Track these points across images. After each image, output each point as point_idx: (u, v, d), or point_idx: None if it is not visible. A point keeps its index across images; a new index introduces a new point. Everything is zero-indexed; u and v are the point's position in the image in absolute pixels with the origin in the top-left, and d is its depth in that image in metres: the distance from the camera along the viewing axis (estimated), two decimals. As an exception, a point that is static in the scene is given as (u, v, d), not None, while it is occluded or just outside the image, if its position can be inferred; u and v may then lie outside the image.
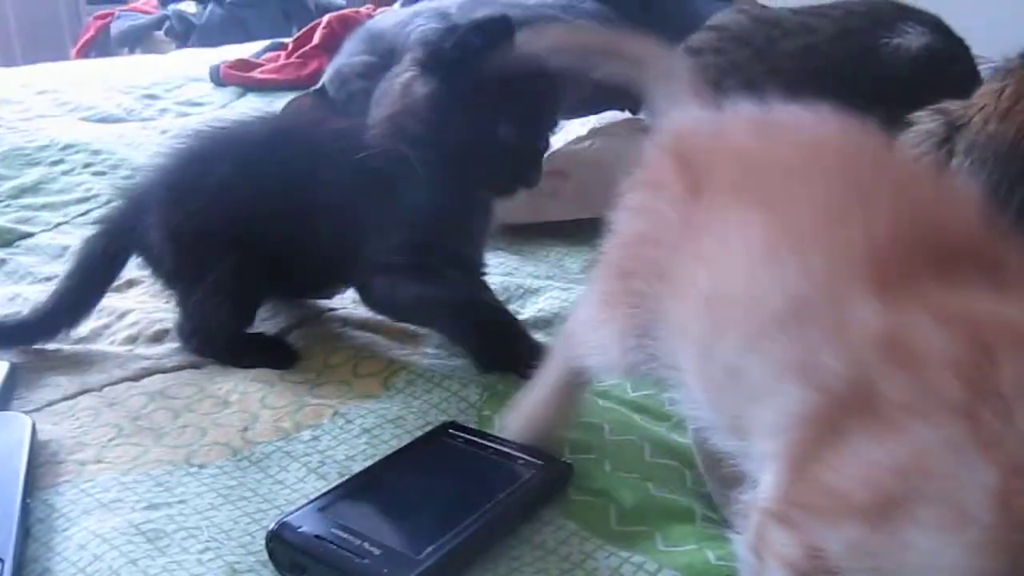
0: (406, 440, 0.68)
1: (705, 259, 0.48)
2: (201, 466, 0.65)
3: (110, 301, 0.94)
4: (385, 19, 1.69)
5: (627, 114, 1.19)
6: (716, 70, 1.26)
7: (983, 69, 1.28)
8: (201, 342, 0.82)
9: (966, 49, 1.33)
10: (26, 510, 0.58)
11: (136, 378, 0.79)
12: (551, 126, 0.83)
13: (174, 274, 0.84)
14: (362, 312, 0.90)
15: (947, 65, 1.28)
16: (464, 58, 0.73)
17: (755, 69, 1.25)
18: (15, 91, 1.79)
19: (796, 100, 1.24)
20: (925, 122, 1.00)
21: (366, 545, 0.53)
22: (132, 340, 0.88)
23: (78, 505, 0.60)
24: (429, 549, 0.53)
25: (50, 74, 1.97)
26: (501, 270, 1.01)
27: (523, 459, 0.63)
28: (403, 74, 0.78)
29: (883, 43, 1.26)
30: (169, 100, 1.77)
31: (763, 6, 1.51)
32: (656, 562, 0.57)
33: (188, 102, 1.76)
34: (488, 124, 0.75)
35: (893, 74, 1.24)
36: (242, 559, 0.55)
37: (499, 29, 0.73)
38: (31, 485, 0.62)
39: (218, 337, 0.82)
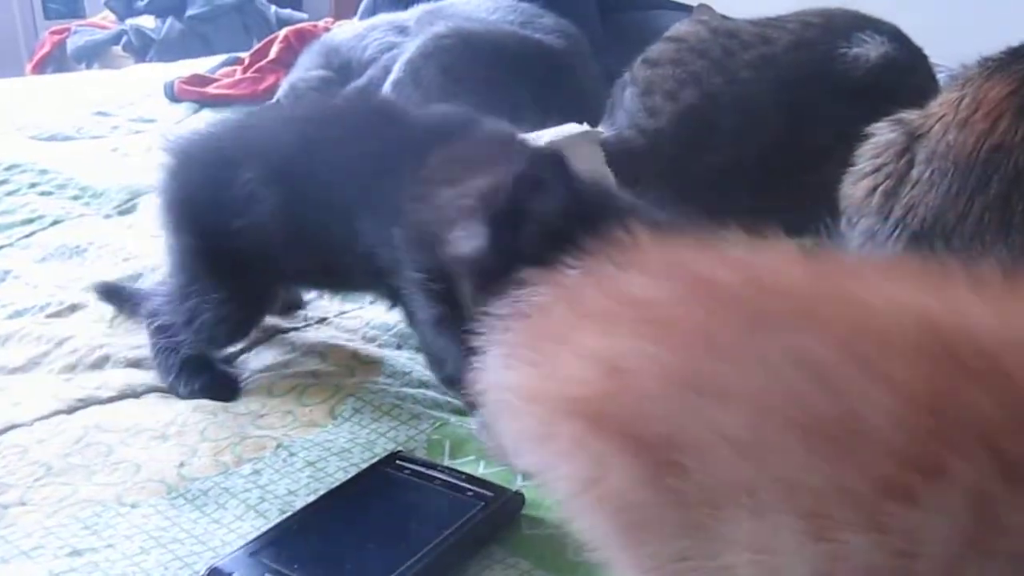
0: (352, 472, 0.65)
1: None
2: (133, 505, 0.62)
3: (49, 328, 0.90)
4: (341, 33, 1.66)
5: (584, 127, 1.17)
6: (674, 81, 1.25)
7: (941, 77, 1.28)
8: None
9: (924, 58, 1.33)
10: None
11: (70, 411, 0.75)
12: None
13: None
14: (312, 336, 0.88)
15: (905, 74, 1.27)
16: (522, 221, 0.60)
17: (712, 81, 1.23)
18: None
19: (753, 111, 1.23)
20: (884, 132, 0.99)
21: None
22: (71, 368, 0.84)
23: (11, 538, 0.57)
24: (374, 595, 0.50)
25: (0, 91, 1.92)
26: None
27: (471, 491, 0.61)
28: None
29: (840, 53, 1.25)
30: (122, 117, 1.73)
31: (723, 16, 1.50)
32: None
33: (141, 119, 1.71)
34: None
35: (851, 84, 1.23)
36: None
37: (558, 176, 0.61)
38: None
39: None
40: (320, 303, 0.94)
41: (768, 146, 1.20)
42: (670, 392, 0.33)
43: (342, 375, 0.80)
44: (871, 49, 1.26)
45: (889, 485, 0.27)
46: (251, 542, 0.55)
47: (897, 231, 0.91)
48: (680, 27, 1.38)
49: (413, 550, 0.54)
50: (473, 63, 1.42)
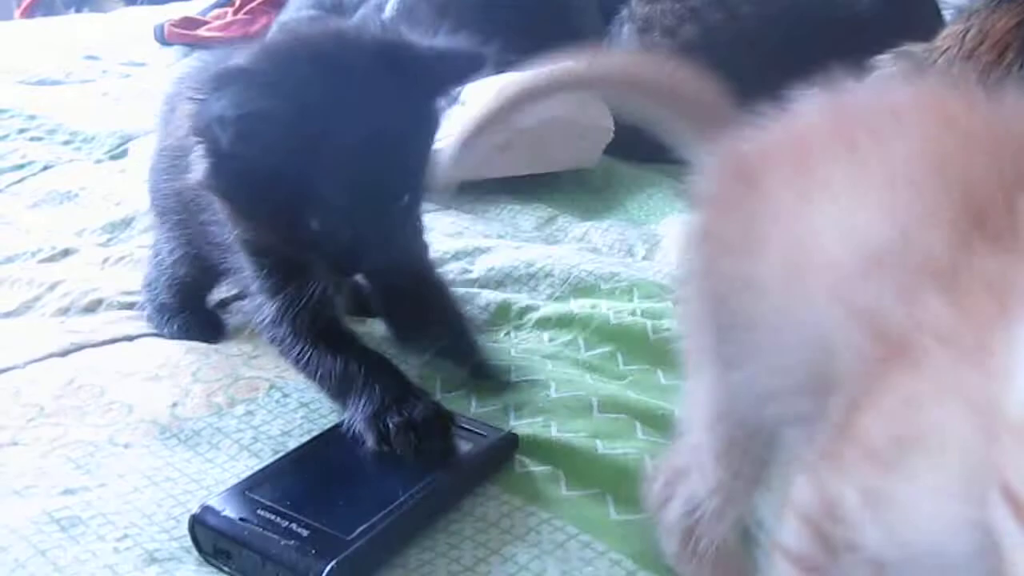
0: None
1: (781, 227, 0.41)
2: (126, 446, 0.62)
3: (41, 272, 0.89)
4: (333, -29, 1.62)
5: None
6: (673, 17, 1.22)
7: (945, 11, 1.25)
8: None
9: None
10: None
11: (63, 354, 0.74)
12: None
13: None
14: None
15: (909, 7, 1.24)
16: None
17: (713, 17, 1.21)
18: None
19: (754, 46, 1.20)
20: (888, 66, 0.97)
21: (294, 527, 0.50)
22: (63, 312, 0.83)
23: None
24: (361, 528, 0.50)
25: (-13, 35, 1.88)
26: (451, 229, 0.97)
27: (465, 431, 0.60)
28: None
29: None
30: (111, 61, 1.70)
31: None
32: (604, 543, 0.54)
33: (131, 63, 1.68)
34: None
35: (854, 17, 1.20)
36: (163, 545, 0.52)
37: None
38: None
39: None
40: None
41: (770, 82, 1.17)
42: None
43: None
44: (868, -14, 1.23)
45: None
46: (244, 480, 0.55)
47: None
48: (680, -38, 1.34)
49: (406, 488, 0.54)
50: (461, 5, 1.39)
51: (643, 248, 0.95)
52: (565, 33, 1.41)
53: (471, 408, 0.66)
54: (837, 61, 1.18)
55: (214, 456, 0.61)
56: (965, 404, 0.30)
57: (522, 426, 0.64)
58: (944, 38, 0.94)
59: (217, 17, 1.87)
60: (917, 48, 0.96)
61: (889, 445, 0.33)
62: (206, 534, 0.51)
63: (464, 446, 0.59)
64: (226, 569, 0.50)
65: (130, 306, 0.83)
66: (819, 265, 0.38)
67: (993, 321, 0.29)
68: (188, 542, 0.52)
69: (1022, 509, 0.25)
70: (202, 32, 1.76)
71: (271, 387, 0.69)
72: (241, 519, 0.51)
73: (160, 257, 0.80)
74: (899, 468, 0.32)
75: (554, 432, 0.63)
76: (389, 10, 1.40)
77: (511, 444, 0.61)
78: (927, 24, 1.15)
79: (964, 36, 0.91)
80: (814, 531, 0.37)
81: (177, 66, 1.65)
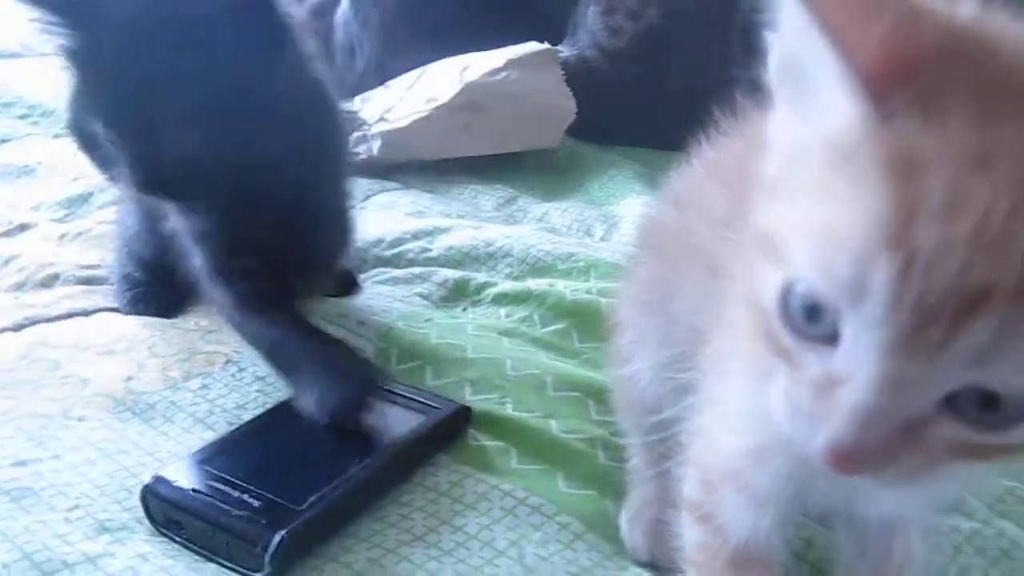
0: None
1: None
2: (80, 419, 0.62)
3: (-3, 246, 0.89)
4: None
5: (545, 45, 1.15)
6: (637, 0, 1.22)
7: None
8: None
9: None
10: None
11: (17, 328, 0.74)
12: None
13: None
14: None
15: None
16: None
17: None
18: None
19: (718, 28, 1.19)
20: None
21: (245, 497, 0.51)
22: (19, 287, 0.83)
23: None
24: (312, 499, 0.51)
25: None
26: (411, 208, 0.98)
27: (418, 403, 0.61)
28: None
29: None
30: (71, 34, 1.67)
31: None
32: (555, 505, 0.55)
33: (92, 36, 1.66)
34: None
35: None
36: (115, 516, 0.52)
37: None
38: None
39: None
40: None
41: (734, 64, 1.19)
42: None
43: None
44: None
45: None
46: (196, 452, 0.55)
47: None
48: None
49: (359, 458, 0.55)
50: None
51: (601, 229, 0.96)
52: (532, 15, 1.41)
53: (426, 380, 0.67)
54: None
55: (168, 429, 0.62)
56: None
57: (478, 401, 0.65)
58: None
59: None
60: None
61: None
62: (158, 504, 0.51)
63: (417, 418, 0.60)
64: (177, 539, 0.50)
65: (87, 281, 0.82)
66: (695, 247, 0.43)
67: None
68: (140, 512, 0.52)
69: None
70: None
71: (227, 361, 0.69)
72: (193, 490, 0.52)
73: (122, 230, 0.80)
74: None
75: (509, 410, 0.64)
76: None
77: (464, 416, 0.62)
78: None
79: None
80: (701, 477, 0.41)
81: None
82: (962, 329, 0.25)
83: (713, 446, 0.41)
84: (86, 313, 0.78)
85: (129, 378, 0.67)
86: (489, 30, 1.23)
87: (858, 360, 0.27)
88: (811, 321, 0.29)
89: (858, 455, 0.28)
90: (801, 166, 0.30)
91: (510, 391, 0.66)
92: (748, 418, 0.38)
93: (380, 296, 0.81)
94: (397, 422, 0.59)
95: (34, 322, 0.75)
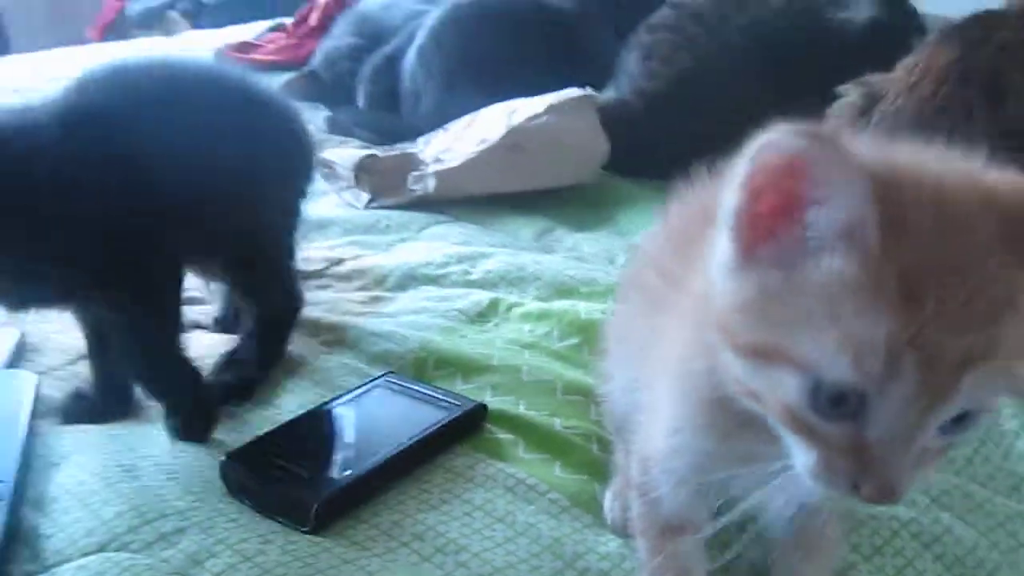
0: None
1: None
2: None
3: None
4: (373, 1, 1.78)
5: (585, 91, 1.28)
6: (670, 46, 1.34)
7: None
8: None
9: (914, 18, 1.39)
10: (28, 444, 0.70)
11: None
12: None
13: None
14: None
15: (892, 37, 1.34)
16: None
17: (707, 46, 1.32)
18: (26, 79, 1.87)
19: (745, 74, 1.29)
20: (850, 95, 1.08)
21: (297, 471, 0.65)
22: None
23: (71, 447, 0.71)
24: (347, 473, 0.65)
25: (62, 60, 2.07)
26: (459, 238, 1.12)
27: (444, 401, 0.74)
28: None
29: (829, 17, 1.33)
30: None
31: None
32: (548, 485, 0.67)
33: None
34: None
35: (838, 47, 1.31)
36: (202, 484, 0.66)
37: None
38: (33, 428, 0.73)
39: None
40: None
41: (757, 109, 1.28)
42: None
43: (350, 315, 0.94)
44: (858, 12, 1.34)
45: None
46: (263, 435, 0.70)
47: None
48: (684, -8, 1.45)
49: (389, 444, 0.68)
50: (489, 29, 1.53)
51: (623, 257, 1.08)
52: (580, 59, 1.54)
53: (456, 384, 0.80)
54: (821, 87, 1.25)
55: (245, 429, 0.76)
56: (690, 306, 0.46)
57: (496, 401, 0.77)
58: (900, 68, 1.05)
59: (270, 41, 2.05)
60: (875, 79, 1.07)
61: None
62: (233, 474, 0.65)
63: (441, 413, 0.73)
64: (246, 502, 0.64)
65: None
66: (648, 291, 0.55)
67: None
68: (218, 481, 0.66)
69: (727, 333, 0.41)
70: (257, 56, 1.94)
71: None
72: (259, 464, 0.66)
73: None
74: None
75: (521, 409, 0.76)
76: (419, 39, 1.55)
77: (481, 413, 0.74)
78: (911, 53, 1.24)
79: (913, 68, 1.02)
80: (641, 463, 0.52)
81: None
82: (959, 383, 0.37)
83: (648, 440, 0.52)
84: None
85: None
86: (545, 77, 1.36)
87: (892, 424, 0.38)
88: (834, 407, 0.39)
89: (901, 491, 0.39)
90: (787, 301, 0.39)
91: (524, 394, 0.78)
92: (668, 422, 0.49)
93: (425, 311, 0.94)
94: (425, 416, 0.72)
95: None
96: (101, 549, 0.59)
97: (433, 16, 1.55)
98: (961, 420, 0.39)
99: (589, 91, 1.29)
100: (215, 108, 0.78)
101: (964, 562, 0.65)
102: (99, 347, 0.78)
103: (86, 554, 0.58)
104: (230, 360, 0.83)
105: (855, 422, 0.39)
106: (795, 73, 1.28)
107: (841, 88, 1.08)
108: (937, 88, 0.96)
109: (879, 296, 0.37)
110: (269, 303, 0.84)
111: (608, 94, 1.38)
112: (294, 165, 0.88)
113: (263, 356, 0.83)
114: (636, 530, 0.56)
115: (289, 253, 0.88)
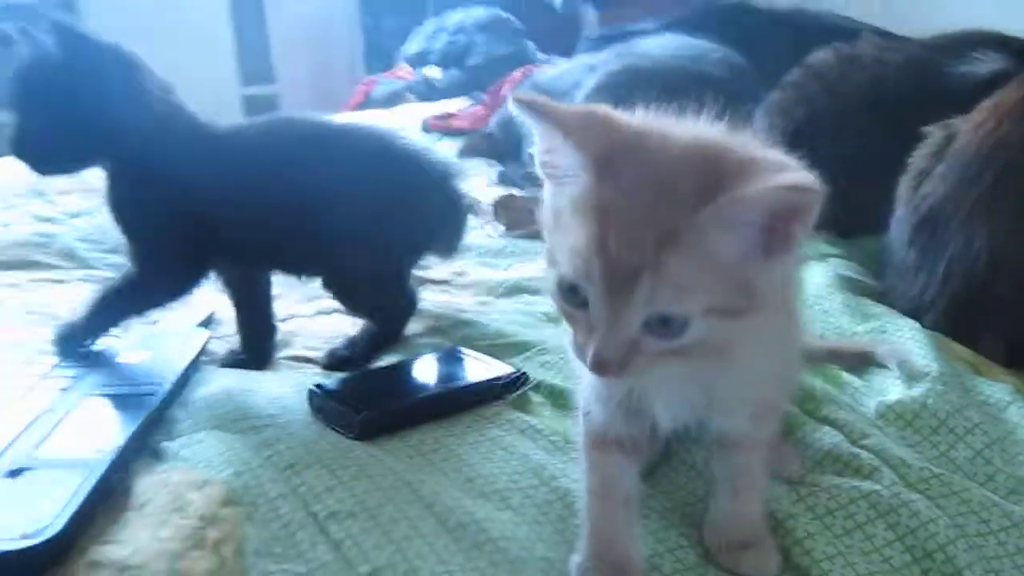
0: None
1: None
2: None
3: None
4: (548, 71, 2.02)
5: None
6: (789, 102, 1.44)
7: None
8: None
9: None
10: (188, 370, 0.94)
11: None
12: None
13: None
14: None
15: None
16: None
17: (822, 102, 1.41)
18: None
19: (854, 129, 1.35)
20: (934, 135, 1.13)
21: (355, 399, 0.84)
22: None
23: (218, 378, 0.95)
24: (392, 404, 0.83)
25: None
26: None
27: (492, 367, 0.91)
28: None
29: (947, 72, 1.36)
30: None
31: (887, 36, 1.62)
32: (551, 430, 0.82)
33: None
34: None
35: (955, 100, 1.33)
36: (292, 404, 0.87)
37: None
38: (195, 363, 0.97)
39: None
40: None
41: (869, 161, 1.32)
42: None
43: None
44: (982, 67, 1.36)
45: None
46: (342, 377, 0.91)
47: (911, 218, 1.06)
48: (816, 54, 1.54)
49: (431, 390, 0.87)
50: (640, 95, 1.69)
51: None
52: (733, 122, 1.65)
53: (516, 359, 0.96)
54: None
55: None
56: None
57: (541, 373, 0.92)
58: (978, 110, 1.09)
59: (472, 112, 2.35)
60: (957, 120, 1.11)
61: None
62: (315, 400, 0.86)
63: (486, 373, 0.90)
64: (319, 417, 0.84)
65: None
66: None
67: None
68: (305, 404, 0.87)
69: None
70: (453, 123, 2.24)
71: (393, 342, 1.04)
72: (333, 394, 0.86)
73: None
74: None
75: (559, 380, 0.91)
76: (582, 94, 1.75)
77: (523, 380, 0.90)
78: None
79: (986, 108, 1.06)
80: (584, 392, 0.66)
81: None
82: (635, 288, 0.51)
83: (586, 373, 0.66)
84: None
85: (331, 345, 1.04)
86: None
87: (596, 312, 0.53)
88: (573, 296, 0.55)
89: (606, 363, 0.54)
90: (561, 215, 0.56)
91: (563, 368, 0.93)
92: None
93: (517, 312, 1.12)
94: (469, 374, 0.90)
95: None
96: (213, 428, 0.82)
97: (589, 82, 1.75)
98: (667, 324, 0.52)
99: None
100: (346, 161, 1.01)
101: (916, 534, 0.69)
102: (247, 317, 1.06)
103: (200, 430, 0.82)
104: (351, 340, 1.05)
105: (587, 310, 0.53)
106: (912, 125, 1.32)
107: (926, 129, 1.14)
108: (998, 124, 1.01)
109: (587, 217, 0.52)
110: (382, 319, 1.06)
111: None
112: (426, 210, 1.05)
113: (375, 343, 1.04)
114: (579, 446, 0.69)
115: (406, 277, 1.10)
